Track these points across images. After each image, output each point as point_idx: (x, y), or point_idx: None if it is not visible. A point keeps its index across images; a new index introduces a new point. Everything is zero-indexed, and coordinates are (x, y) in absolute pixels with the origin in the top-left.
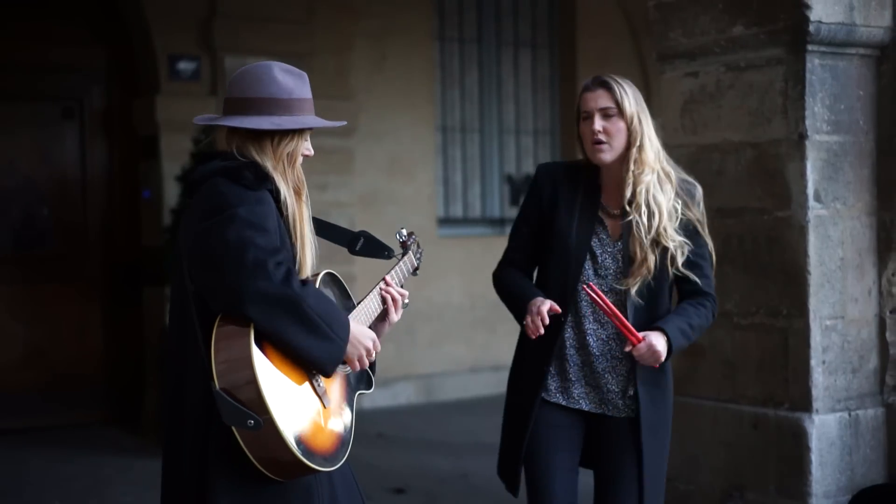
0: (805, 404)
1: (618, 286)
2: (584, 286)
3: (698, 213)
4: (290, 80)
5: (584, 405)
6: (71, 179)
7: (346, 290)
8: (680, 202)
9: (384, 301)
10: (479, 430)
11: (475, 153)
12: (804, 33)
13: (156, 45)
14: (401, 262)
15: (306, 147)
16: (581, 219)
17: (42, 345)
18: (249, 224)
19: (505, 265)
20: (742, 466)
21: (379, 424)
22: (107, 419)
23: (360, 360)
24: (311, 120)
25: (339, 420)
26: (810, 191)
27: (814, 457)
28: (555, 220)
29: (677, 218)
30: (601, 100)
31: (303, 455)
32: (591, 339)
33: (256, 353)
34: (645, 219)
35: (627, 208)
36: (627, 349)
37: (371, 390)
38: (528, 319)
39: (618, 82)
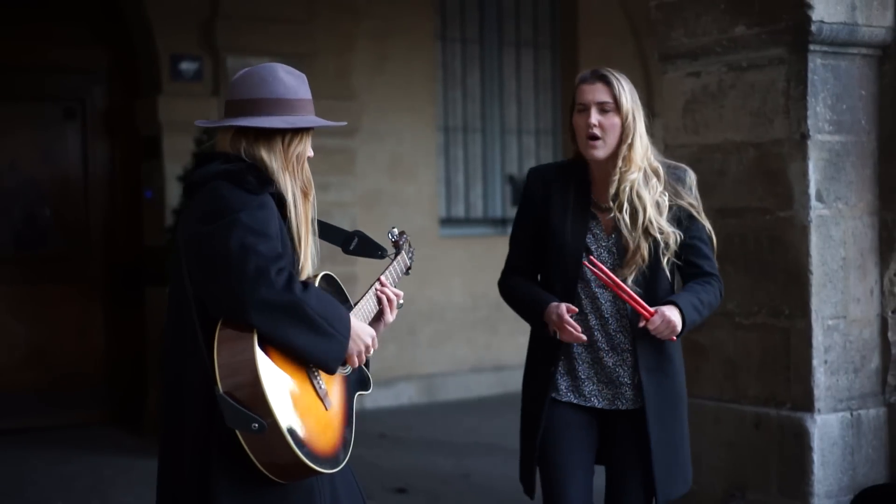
0: (807, 404)
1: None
2: (585, 262)
3: (690, 198)
4: (294, 81)
5: (597, 402)
6: (73, 179)
7: (344, 292)
8: (667, 194)
9: (379, 301)
10: (480, 430)
11: (477, 153)
12: (806, 33)
13: (158, 46)
14: (395, 262)
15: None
16: (574, 216)
17: (43, 345)
18: (251, 230)
19: (509, 273)
20: (744, 466)
21: (381, 424)
22: (108, 419)
23: (360, 356)
24: (319, 119)
25: (340, 421)
26: (812, 191)
27: (816, 457)
28: (549, 220)
29: (667, 209)
30: (599, 93)
31: (306, 458)
32: (598, 335)
33: (260, 355)
34: (628, 217)
35: (611, 205)
36: (641, 325)
37: (370, 391)
38: (565, 336)
39: (616, 77)
